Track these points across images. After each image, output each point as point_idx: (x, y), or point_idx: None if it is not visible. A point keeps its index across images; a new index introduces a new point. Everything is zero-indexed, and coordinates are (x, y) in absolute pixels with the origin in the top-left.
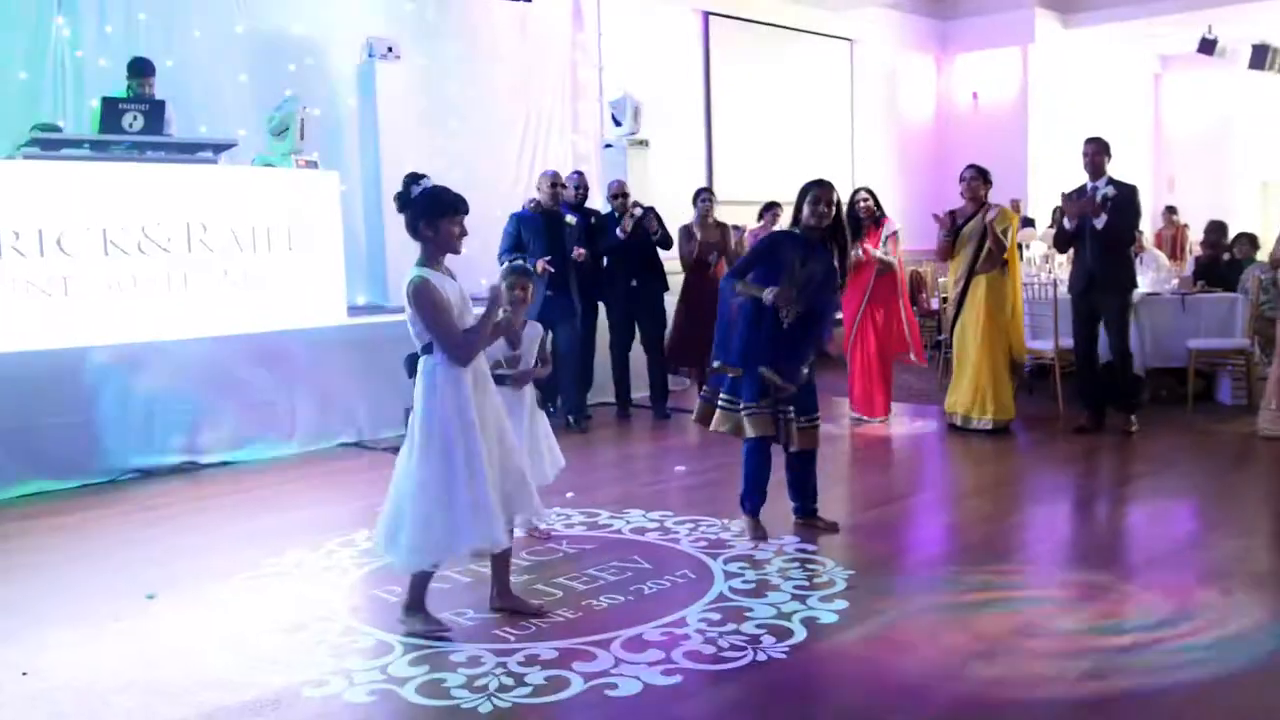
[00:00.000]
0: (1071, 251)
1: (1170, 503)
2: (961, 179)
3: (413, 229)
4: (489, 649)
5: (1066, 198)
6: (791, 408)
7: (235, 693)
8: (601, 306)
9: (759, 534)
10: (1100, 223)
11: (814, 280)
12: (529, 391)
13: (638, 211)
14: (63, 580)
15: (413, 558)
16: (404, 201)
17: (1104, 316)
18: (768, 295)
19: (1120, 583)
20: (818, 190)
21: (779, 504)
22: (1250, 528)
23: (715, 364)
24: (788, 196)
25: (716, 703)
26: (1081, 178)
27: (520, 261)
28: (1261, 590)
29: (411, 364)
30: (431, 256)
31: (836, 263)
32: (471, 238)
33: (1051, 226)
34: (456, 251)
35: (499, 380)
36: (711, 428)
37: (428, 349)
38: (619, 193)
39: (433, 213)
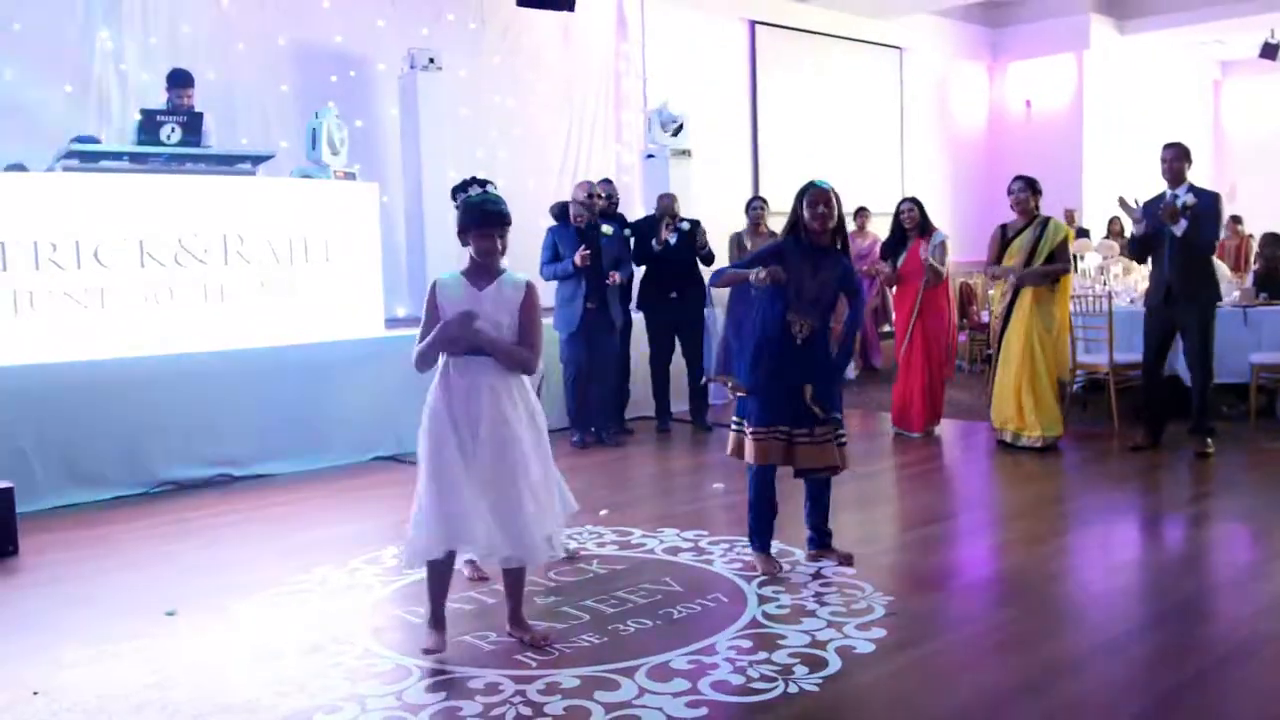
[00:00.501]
0: (1150, 262)
1: (1231, 526)
2: (1010, 191)
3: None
4: (509, 675)
5: (1146, 205)
6: (801, 430)
7: (246, 716)
8: (639, 318)
9: (772, 569)
10: (1179, 230)
11: (828, 291)
12: None
13: (685, 225)
14: (84, 595)
15: (407, 556)
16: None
17: (1183, 332)
18: (756, 276)
19: (1178, 612)
20: (814, 191)
21: (837, 517)
22: None
23: (711, 376)
24: (844, 207)
25: None
26: (1151, 186)
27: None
28: None
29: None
30: (469, 264)
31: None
32: (513, 249)
33: (1107, 237)
34: (486, 264)
35: None
36: (728, 453)
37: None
38: (667, 211)
39: (461, 223)
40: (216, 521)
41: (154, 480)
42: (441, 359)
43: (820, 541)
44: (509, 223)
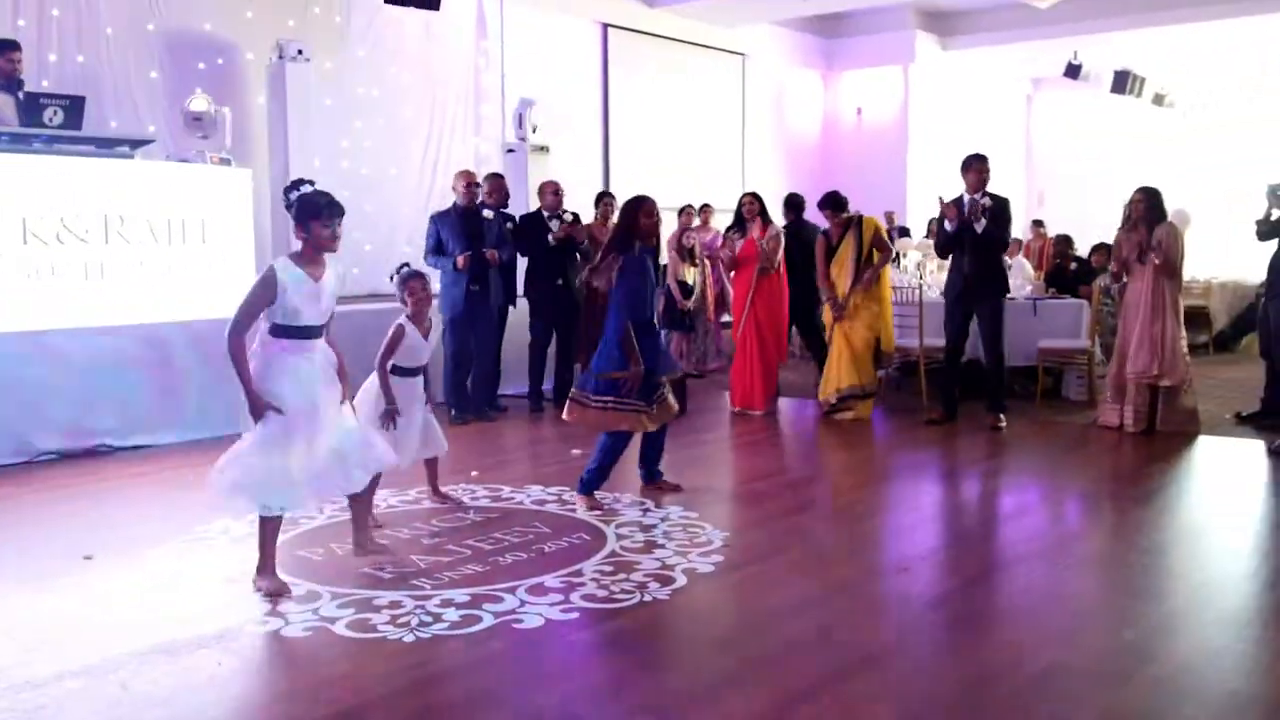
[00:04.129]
0: (950, 258)
1: (1010, 479)
2: (825, 216)
3: (296, 227)
4: (408, 595)
5: (946, 205)
6: (656, 396)
7: (182, 629)
8: (523, 303)
9: (598, 507)
10: (980, 227)
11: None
12: (420, 382)
13: (569, 217)
14: None
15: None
16: (286, 204)
17: (979, 319)
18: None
19: (962, 539)
20: (650, 202)
21: (686, 474)
22: (1074, 499)
23: (599, 372)
24: (686, 202)
25: (610, 632)
26: (958, 188)
27: (408, 266)
28: (1073, 545)
29: None
30: (303, 254)
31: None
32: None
33: (927, 236)
34: (330, 249)
35: (411, 371)
36: (584, 422)
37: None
38: (555, 190)
39: (303, 215)
40: (107, 485)
41: (35, 450)
42: (275, 341)
43: (653, 475)
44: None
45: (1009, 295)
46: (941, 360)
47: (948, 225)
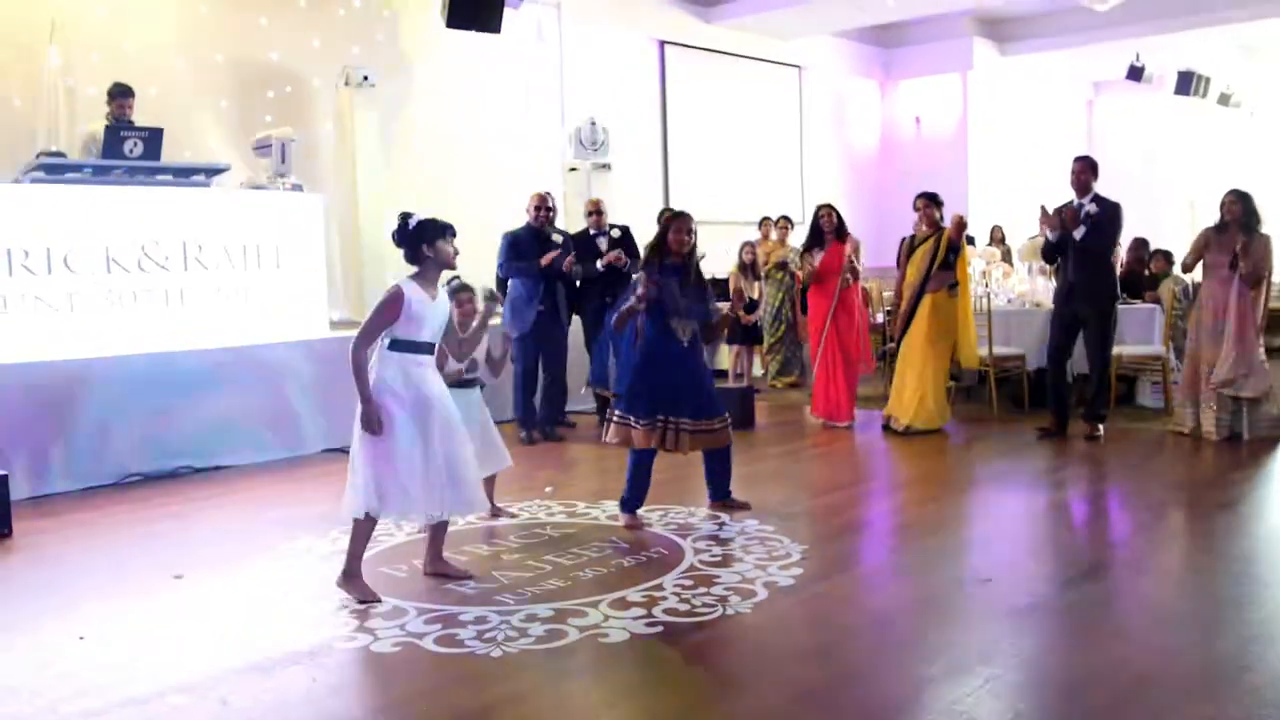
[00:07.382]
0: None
1: (1090, 487)
2: (915, 207)
3: (414, 254)
4: (493, 611)
5: (1054, 213)
6: (685, 419)
7: (275, 646)
8: (576, 320)
9: (637, 527)
10: (1079, 235)
11: (692, 299)
12: (474, 394)
13: (615, 233)
14: (91, 567)
15: (353, 503)
16: (403, 233)
17: (1084, 325)
18: (636, 301)
19: (1040, 551)
20: (684, 218)
21: (759, 488)
22: (1156, 507)
23: (590, 386)
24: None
25: (694, 645)
26: (1032, 196)
27: (458, 280)
28: (1157, 554)
29: None
30: (424, 276)
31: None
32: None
33: (990, 244)
34: (452, 265)
35: (466, 383)
36: (612, 442)
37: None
38: (595, 210)
39: (429, 236)
40: (192, 506)
41: (123, 472)
42: (394, 355)
43: (720, 495)
44: None
45: (1118, 301)
46: (1015, 369)
47: (1049, 235)
